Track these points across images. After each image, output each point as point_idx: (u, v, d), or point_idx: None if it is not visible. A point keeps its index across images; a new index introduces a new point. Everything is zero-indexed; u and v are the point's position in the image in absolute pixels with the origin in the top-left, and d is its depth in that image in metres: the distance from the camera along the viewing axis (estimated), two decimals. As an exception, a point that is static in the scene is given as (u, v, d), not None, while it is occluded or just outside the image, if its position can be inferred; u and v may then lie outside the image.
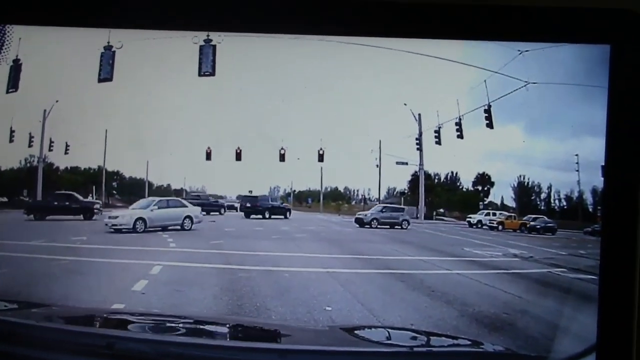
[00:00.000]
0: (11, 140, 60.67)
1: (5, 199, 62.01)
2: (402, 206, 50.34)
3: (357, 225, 38.39)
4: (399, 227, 40.28)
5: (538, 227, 45.24)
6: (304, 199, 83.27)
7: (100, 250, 19.75)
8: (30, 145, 63.90)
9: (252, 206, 59.01)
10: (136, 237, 28.06)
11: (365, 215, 40.97)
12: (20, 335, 2.28)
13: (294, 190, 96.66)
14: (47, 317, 2.99)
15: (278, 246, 23.03)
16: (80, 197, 43.67)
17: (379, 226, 39.06)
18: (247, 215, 56.80)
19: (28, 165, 70.51)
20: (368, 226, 38.34)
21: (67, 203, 38.66)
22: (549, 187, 76.14)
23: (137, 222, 35.34)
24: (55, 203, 41.76)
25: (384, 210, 42.61)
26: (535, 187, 78.21)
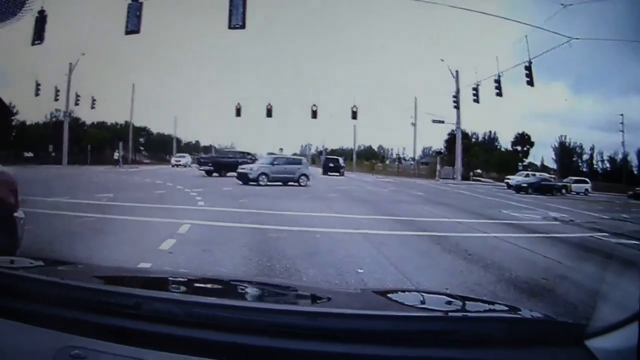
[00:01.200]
0: (37, 94, 61.13)
1: (31, 154, 62.75)
2: (299, 157, 49.44)
3: (240, 183, 36.97)
4: (295, 183, 38.97)
5: (525, 185, 45.29)
6: (338, 156, 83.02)
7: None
8: (56, 99, 64.45)
9: (334, 166, 62.82)
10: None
11: (251, 169, 39.16)
12: (44, 293, 2.30)
13: (326, 149, 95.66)
14: (72, 275, 3.01)
15: (309, 206, 23.14)
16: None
17: (268, 183, 37.72)
18: (325, 172, 60.07)
19: (54, 119, 70.86)
20: (254, 183, 37.13)
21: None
22: (592, 148, 74.36)
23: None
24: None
25: (275, 162, 40.87)
26: (577, 148, 76.42)
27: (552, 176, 59.03)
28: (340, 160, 66.42)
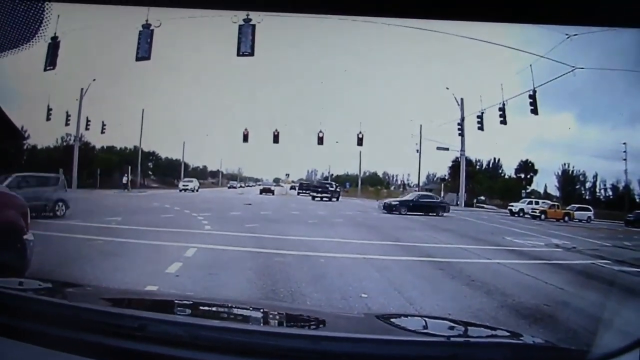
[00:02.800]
0: (48, 119, 61.41)
1: (41, 178, 62.43)
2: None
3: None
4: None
5: (395, 204, 44.26)
6: (342, 184, 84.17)
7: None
8: (67, 124, 64.65)
9: (322, 190, 67.74)
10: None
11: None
12: (52, 314, 2.31)
13: (332, 174, 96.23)
14: (80, 297, 3.02)
15: (314, 231, 23.10)
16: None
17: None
18: (313, 198, 63.19)
19: (64, 143, 70.85)
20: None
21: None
22: (595, 176, 74.04)
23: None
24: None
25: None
26: (580, 176, 76.07)
27: (555, 203, 58.92)
28: (333, 185, 68.92)
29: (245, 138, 67.06)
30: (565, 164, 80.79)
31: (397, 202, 45.05)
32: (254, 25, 31.46)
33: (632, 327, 2.05)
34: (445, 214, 43.83)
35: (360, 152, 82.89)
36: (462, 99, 65.80)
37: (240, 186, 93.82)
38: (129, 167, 68.74)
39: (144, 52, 34.02)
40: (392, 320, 3.09)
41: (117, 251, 14.35)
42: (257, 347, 2.08)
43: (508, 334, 2.97)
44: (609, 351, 2.02)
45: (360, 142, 68.45)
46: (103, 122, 69.51)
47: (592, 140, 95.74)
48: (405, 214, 41.27)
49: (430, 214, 42.98)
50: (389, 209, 43.22)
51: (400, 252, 17.61)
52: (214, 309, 3.41)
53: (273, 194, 70.08)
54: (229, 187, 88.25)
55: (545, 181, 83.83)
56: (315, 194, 62.63)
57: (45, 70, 34.85)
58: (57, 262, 11.71)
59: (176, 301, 3.60)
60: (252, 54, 31.81)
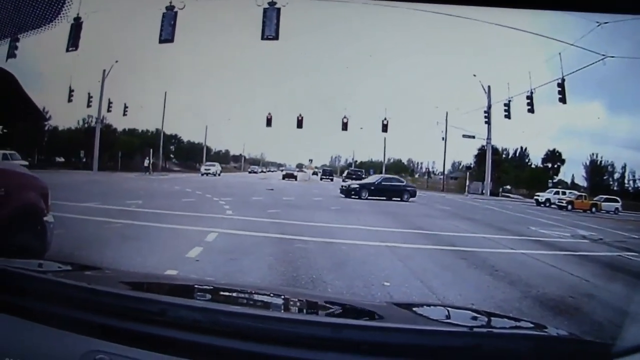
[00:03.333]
0: (70, 100, 61.81)
1: (62, 159, 63.21)
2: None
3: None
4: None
5: (356, 187, 42.79)
6: (366, 170, 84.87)
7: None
8: (88, 106, 65.07)
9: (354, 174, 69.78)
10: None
11: None
12: (71, 297, 2.32)
13: (356, 161, 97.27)
14: (99, 280, 3.03)
15: (337, 218, 23.10)
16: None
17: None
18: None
19: (86, 125, 71.52)
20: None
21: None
22: (623, 167, 73.56)
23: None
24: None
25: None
26: (609, 167, 75.64)
27: (583, 194, 58.52)
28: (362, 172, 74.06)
29: (269, 122, 67.16)
30: (593, 154, 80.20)
31: (358, 186, 43.09)
32: (278, 9, 31.41)
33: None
34: (412, 200, 42.41)
35: (384, 139, 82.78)
36: (489, 87, 65.43)
37: (262, 171, 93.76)
38: (151, 150, 68.94)
39: (167, 34, 34.08)
40: (414, 309, 3.09)
41: (137, 235, 14.42)
42: (277, 334, 2.09)
43: (532, 325, 2.95)
44: (634, 345, 2.01)
45: (385, 128, 68.33)
46: (125, 105, 69.83)
47: (621, 130, 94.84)
48: (367, 199, 39.68)
49: (395, 198, 41.52)
50: (347, 192, 41.22)
51: (423, 241, 17.58)
52: (234, 294, 3.42)
53: (296, 180, 70.22)
54: (250, 172, 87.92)
55: (573, 171, 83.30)
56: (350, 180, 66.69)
57: (67, 51, 35.01)
58: (76, 245, 11.78)
59: (196, 286, 3.61)
60: (276, 37, 31.77)
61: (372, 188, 42.19)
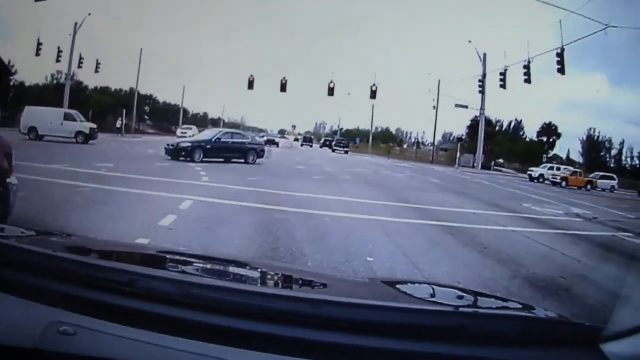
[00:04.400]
0: (37, 54, 61.39)
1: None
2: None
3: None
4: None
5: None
6: (352, 138, 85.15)
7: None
8: (58, 61, 64.73)
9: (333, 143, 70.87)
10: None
11: None
12: (35, 264, 2.31)
13: (341, 128, 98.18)
14: (65, 247, 3.01)
15: (320, 188, 23.10)
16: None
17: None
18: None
19: (55, 81, 71.08)
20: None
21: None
22: (621, 143, 74.26)
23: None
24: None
25: None
26: (606, 142, 76.44)
27: (578, 170, 58.85)
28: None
29: (251, 85, 67.00)
30: (590, 129, 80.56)
31: (189, 145, 36.89)
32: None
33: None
34: (258, 161, 38.76)
35: (372, 106, 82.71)
36: (484, 54, 65.47)
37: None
38: (124, 110, 68.44)
39: (146, -15, 33.78)
40: (398, 286, 3.10)
41: (106, 200, 14.37)
42: (253, 309, 2.09)
43: (520, 306, 2.98)
44: (625, 328, 2.03)
45: (373, 94, 68.25)
46: (97, 61, 69.31)
47: (624, 104, 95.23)
48: (201, 161, 34.30)
49: (237, 160, 37.23)
50: (174, 153, 34.72)
51: (410, 214, 17.62)
52: (208, 266, 3.41)
53: (277, 147, 70.34)
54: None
55: (569, 146, 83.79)
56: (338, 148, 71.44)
57: (36, 0, 34.63)
58: (41, 209, 11.74)
59: (168, 256, 3.60)
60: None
61: (208, 147, 36.94)
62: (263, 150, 40.56)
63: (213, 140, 37.98)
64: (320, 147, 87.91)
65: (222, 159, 36.38)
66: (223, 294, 2.19)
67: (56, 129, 43.55)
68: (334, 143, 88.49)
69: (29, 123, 42.91)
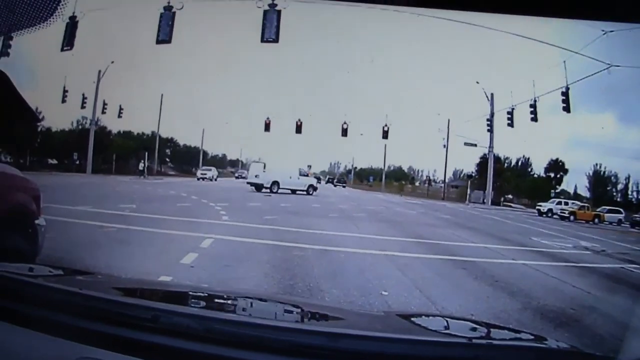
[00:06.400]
0: (64, 101, 61.85)
1: (55, 161, 63.28)
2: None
3: None
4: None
5: None
6: (365, 177, 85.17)
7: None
8: (83, 107, 65.09)
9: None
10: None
11: None
12: (62, 302, 2.32)
13: (355, 167, 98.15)
14: (91, 285, 3.03)
15: (336, 225, 23.07)
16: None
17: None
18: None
19: (80, 127, 71.35)
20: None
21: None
22: (627, 178, 73.60)
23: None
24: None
25: None
26: (612, 177, 75.63)
27: (585, 204, 58.58)
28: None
29: (267, 127, 67.13)
30: (597, 165, 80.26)
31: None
32: (279, 11, 31.40)
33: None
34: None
35: (385, 146, 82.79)
36: (492, 94, 65.47)
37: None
38: (146, 154, 68.80)
39: (164, 35, 34.02)
40: (412, 319, 3.09)
41: (130, 239, 14.42)
42: (273, 343, 2.09)
43: (532, 337, 2.95)
44: (636, 358, 2.01)
45: (385, 135, 68.26)
46: (120, 106, 69.71)
47: (629, 141, 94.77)
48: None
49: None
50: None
51: (423, 250, 17.56)
52: (229, 301, 3.41)
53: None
54: (237, 177, 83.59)
55: (576, 181, 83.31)
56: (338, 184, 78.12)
57: (62, 50, 34.93)
58: (69, 249, 11.77)
59: (190, 293, 3.61)
60: (276, 40, 31.74)
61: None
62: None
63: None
64: (325, 183, 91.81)
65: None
66: (243, 329, 2.18)
67: None
68: (335, 180, 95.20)
69: None
